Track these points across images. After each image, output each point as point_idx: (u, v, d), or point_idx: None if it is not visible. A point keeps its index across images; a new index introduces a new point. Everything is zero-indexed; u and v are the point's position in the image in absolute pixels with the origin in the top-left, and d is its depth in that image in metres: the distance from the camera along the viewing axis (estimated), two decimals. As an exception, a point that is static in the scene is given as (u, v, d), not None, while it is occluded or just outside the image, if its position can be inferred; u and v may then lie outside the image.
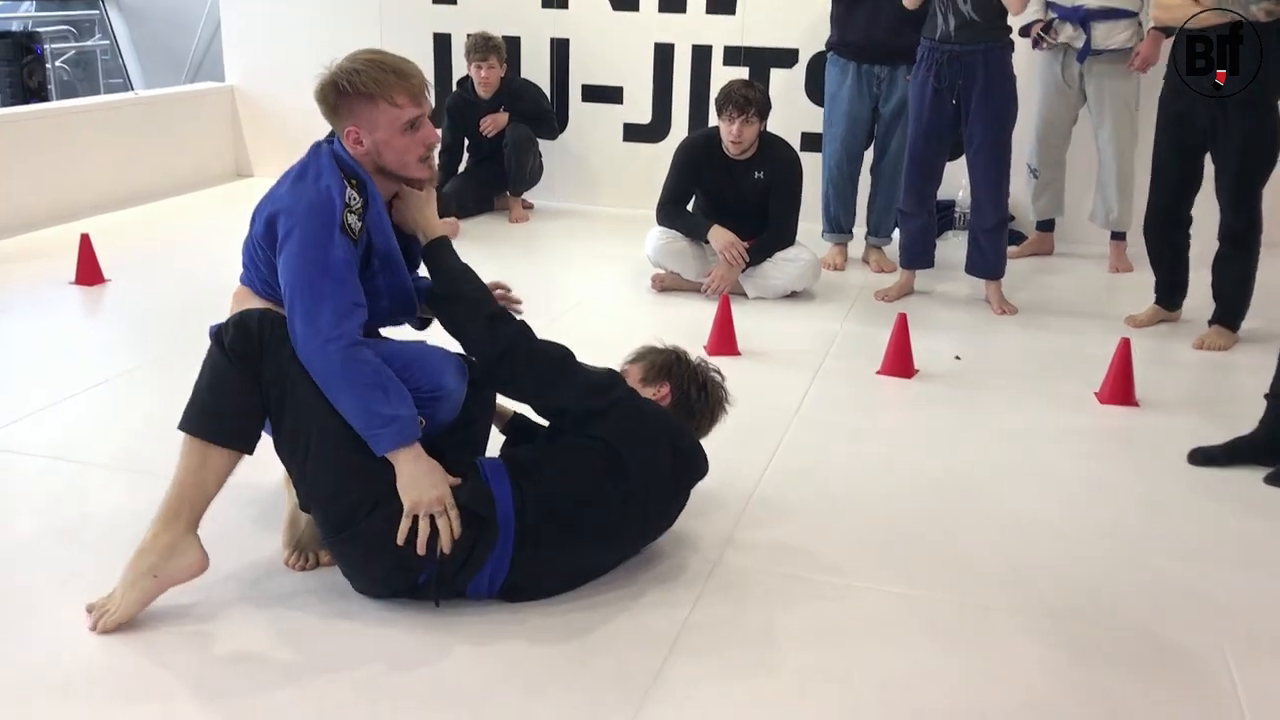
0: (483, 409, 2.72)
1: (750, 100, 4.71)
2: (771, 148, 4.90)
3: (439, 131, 2.52)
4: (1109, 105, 5.28)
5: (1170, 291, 4.60)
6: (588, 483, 2.45)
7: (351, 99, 2.46)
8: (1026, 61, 5.37)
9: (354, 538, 2.36)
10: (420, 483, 2.34)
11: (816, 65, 5.96)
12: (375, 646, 2.30)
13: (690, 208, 5.02)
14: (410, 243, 2.64)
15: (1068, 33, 5.23)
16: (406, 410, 2.38)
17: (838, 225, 5.53)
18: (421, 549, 2.31)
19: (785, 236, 4.90)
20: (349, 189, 2.44)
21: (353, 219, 2.43)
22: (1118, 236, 5.55)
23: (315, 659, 2.26)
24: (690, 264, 4.93)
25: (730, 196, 4.89)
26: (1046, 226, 5.82)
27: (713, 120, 5.05)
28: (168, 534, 2.35)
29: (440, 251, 2.60)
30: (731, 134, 4.74)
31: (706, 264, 4.91)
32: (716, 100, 4.84)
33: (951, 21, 4.49)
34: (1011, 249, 5.59)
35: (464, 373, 2.59)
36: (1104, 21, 5.13)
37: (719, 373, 2.81)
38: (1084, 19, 5.15)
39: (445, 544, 2.32)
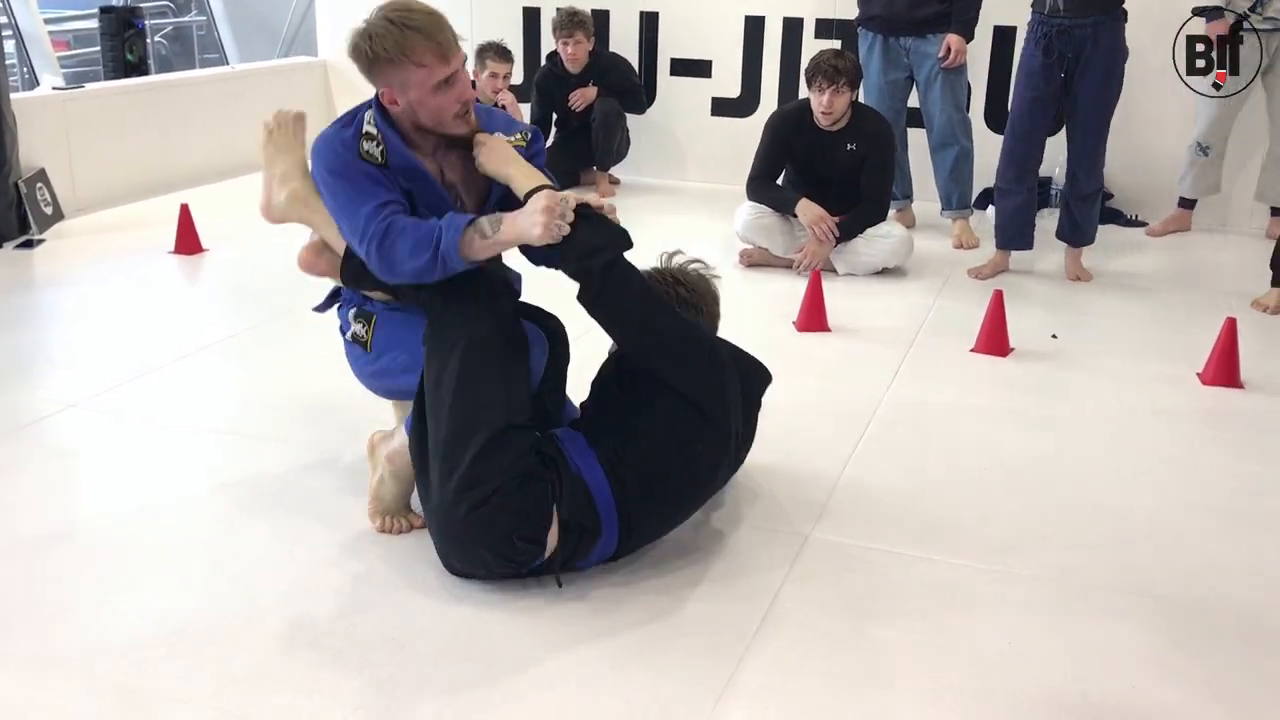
0: (557, 373, 2.65)
1: (840, 70, 4.65)
2: (864, 119, 4.84)
3: (473, 86, 2.52)
4: None
5: None
6: (679, 450, 2.44)
7: (379, 63, 2.41)
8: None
9: (479, 509, 2.27)
10: (528, 229, 2.36)
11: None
12: (464, 623, 2.33)
13: (781, 181, 4.99)
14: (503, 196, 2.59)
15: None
16: (440, 219, 2.40)
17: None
18: (566, 223, 2.37)
19: (879, 210, 4.84)
20: (366, 118, 2.49)
21: (367, 145, 2.47)
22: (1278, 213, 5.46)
23: (400, 631, 2.28)
24: (779, 239, 4.89)
25: (822, 168, 4.84)
26: (1189, 204, 5.69)
27: (803, 93, 5.00)
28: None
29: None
30: (822, 104, 4.69)
31: (795, 240, 4.87)
32: (806, 71, 4.80)
33: None
34: (1154, 225, 5.51)
35: (545, 350, 2.57)
36: None
37: (691, 261, 2.82)
38: None
39: (568, 217, 2.38)
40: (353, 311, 2.70)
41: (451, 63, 2.41)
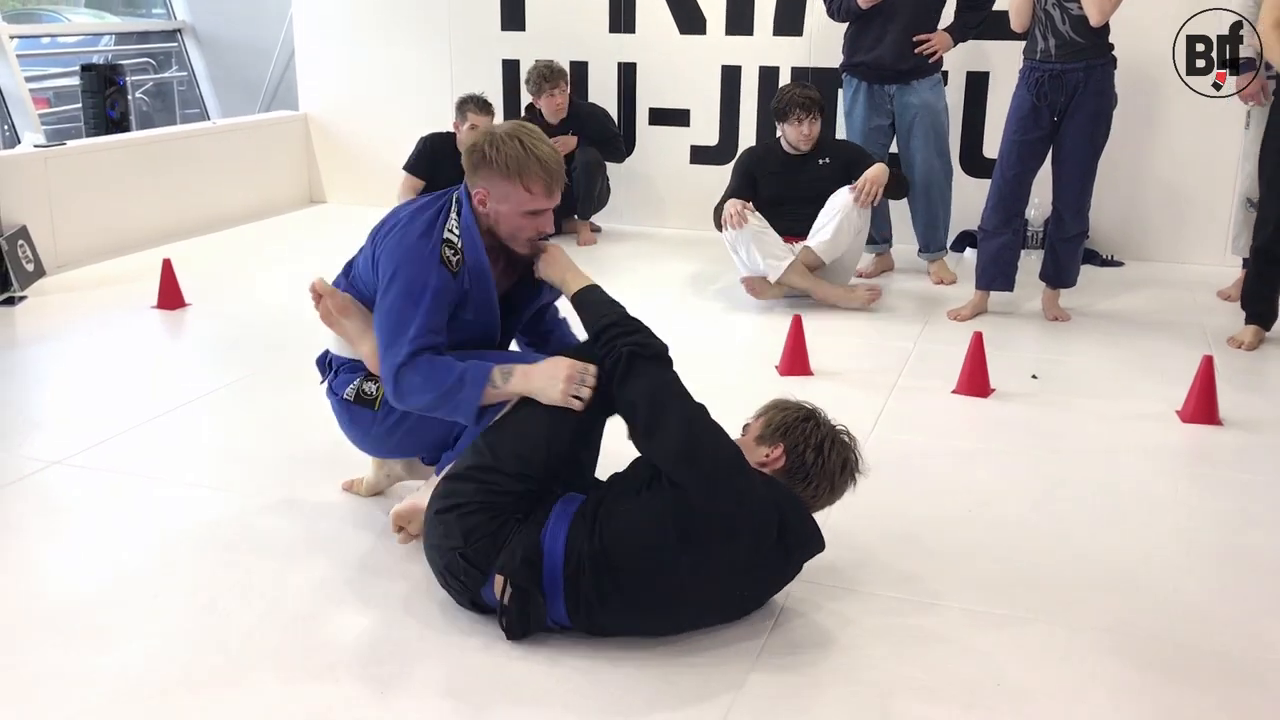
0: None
1: (814, 100, 5.16)
2: (826, 140, 5.34)
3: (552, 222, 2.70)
4: None
5: (1273, 311, 4.50)
6: (652, 551, 2.29)
7: (491, 168, 2.58)
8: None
9: (442, 514, 2.42)
10: (546, 388, 2.47)
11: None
12: (443, 681, 2.32)
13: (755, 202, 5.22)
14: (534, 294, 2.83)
15: None
16: (465, 363, 2.53)
17: (870, 238, 5.47)
18: (585, 399, 2.46)
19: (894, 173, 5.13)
20: (451, 221, 2.62)
21: (449, 252, 2.59)
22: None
23: (384, 688, 2.27)
24: (767, 240, 5.00)
25: (799, 180, 5.19)
26: None
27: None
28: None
29: (593, 294, 2.65)
30: (803, 133, 5.14)
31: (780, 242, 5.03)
32: (780, 108, 5.18)
33: (1052, 41, 4.49)
34: (1229, 290, 5.23)
35: None
36: None
37: (848, 437, 2.51)
38: None
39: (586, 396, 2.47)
40: (362, 375, 2.78)
41: (552, 199, 2.63)
